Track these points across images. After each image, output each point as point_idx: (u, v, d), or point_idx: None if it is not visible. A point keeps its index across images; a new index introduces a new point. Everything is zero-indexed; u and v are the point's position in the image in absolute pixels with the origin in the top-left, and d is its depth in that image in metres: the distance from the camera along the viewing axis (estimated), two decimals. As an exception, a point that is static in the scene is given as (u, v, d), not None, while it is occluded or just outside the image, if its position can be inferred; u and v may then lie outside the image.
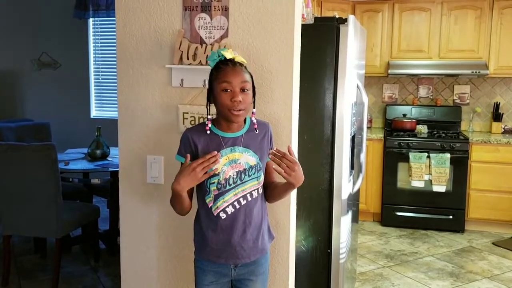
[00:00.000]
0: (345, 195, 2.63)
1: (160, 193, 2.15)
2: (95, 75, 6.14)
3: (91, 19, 5.99)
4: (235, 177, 1.72)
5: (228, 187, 1.72)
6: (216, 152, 1.64)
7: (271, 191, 1.83)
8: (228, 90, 1.65)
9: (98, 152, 4.05)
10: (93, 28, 6.05)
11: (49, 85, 6.15)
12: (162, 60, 2.09)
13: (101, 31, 6.02)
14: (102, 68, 6.08)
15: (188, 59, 2.03)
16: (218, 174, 1.70)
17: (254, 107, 1.75)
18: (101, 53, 6.06)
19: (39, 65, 6.13)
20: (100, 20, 5.96)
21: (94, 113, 6.18)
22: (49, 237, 3.60)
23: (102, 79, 6.11)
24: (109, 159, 4.05)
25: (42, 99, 6.19)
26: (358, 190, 3.17)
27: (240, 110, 1.65)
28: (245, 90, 1.66)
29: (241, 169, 1.72)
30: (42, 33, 6.04)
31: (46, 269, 3.74)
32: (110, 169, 3.79)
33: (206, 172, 1.63)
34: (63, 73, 6.11)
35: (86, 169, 3.78)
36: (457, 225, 4.75)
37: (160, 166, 2.14)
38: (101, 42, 6.04)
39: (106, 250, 4.11)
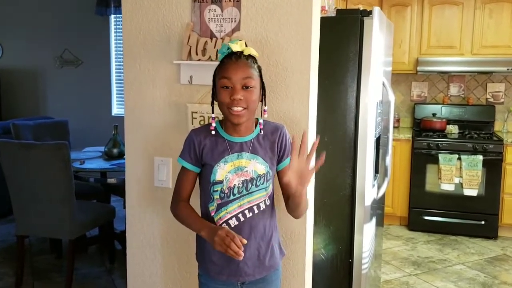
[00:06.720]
0: (368, 201, 2.45)
1: (168, 198, 1.98)
2: (116, 72, 6.09)
3: (112, 16, 5.94)
4: (240, 186, 1.55)
5: (232, 197, 1.56)
6: (245, 241, 1.45)
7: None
8: (228, 87, 1.50)
9: (115, 151, 3.96)
10: (115, 24, 6.00)
11: (71, 82, 6.14)
12: (170, 55, 1.95)
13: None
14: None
15: (197, 54, 1.88)
16: (221, 182, 1.55)
17: (265, 105, 1.59)
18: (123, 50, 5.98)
19: (61, 63, 6.12)
20: (122, 17, 5.88)
21: (115, 110, 6.13)
22: (62, 238, 3.53)
23: (124, 76, 6.04)
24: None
25: (64, 96, 6.18)
26: (384, 194, 2.98)
27: (241, 109, 1.49)
28: (248, 87, 1.50)
29: (248, 178, 1.56)
30: (64, 30, 6.02)
31: (61, 270, 3.66)
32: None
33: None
34: (85, 70, 6.09)
35: (101, 168, 3.70)
36: (489, 231, 4.51)
37: (168, 169, 2.01)
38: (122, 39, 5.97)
39: (122, 251, 4.02)
